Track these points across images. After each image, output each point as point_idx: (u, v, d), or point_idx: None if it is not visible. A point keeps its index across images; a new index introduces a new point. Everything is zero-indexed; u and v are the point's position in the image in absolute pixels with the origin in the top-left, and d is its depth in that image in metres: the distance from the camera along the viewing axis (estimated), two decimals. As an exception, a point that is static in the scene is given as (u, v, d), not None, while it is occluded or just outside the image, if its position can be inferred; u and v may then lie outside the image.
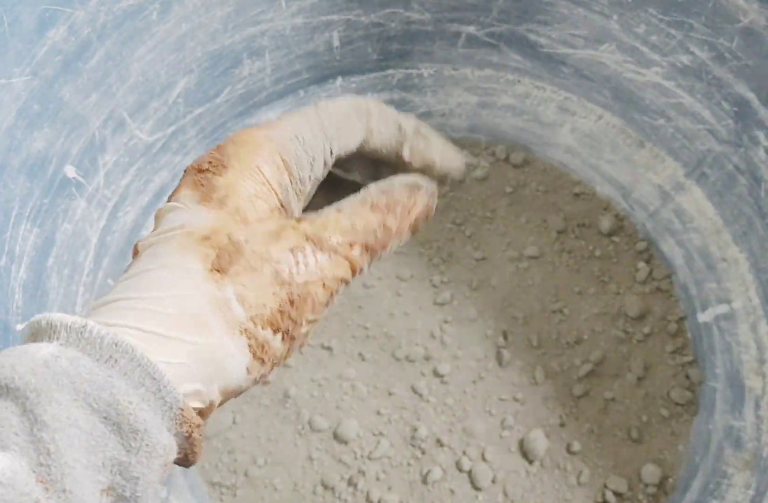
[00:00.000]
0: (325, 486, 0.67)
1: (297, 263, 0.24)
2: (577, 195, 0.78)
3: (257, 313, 0.24)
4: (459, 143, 0.81)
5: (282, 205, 0.27)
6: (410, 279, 0.75)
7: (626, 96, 0.69)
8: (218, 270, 0.23)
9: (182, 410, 0.22)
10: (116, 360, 0.21)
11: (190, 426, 0.22)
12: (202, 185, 0.26)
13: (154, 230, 0.26)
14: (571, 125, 0.76)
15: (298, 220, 0.26)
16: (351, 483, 0.67)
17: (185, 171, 0.27)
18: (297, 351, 0.26)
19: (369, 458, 0.68)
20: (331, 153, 0.28)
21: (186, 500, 0.64)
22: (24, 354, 0.21)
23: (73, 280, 0.53)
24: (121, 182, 0.57)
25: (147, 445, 0.21)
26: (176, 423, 0.22)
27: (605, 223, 0.76)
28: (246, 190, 0.26)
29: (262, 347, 0.24)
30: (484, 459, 0.68)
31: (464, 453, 0.68)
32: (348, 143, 0.28)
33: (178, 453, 0.23)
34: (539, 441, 0.68)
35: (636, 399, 0.70)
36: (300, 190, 0.28)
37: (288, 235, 0.25)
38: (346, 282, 0.26)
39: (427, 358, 0.72)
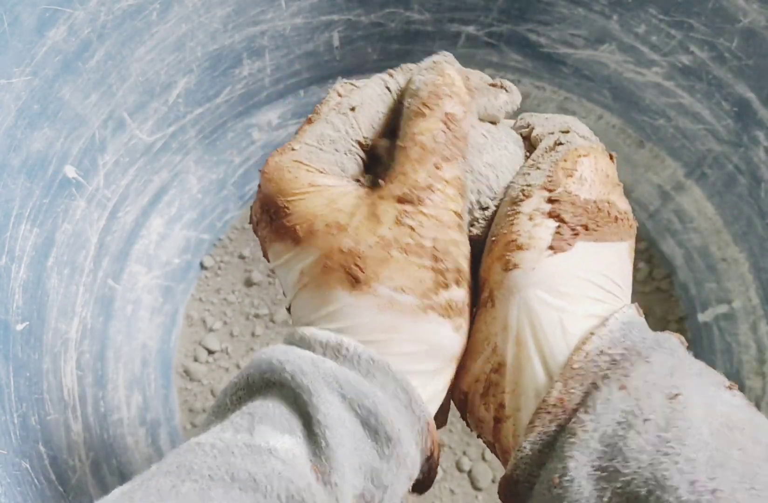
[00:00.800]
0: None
1: (412, 229, 0.25)
2: (577, 195, 0.78)
3: (421, 290, 0.24)
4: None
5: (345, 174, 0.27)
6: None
7: (626, 96, 0.69)
8: (357, 283, 0.24)
9: (428, 424, 0.24)
10: (374, 375, 0.23)
11: (432, 442, 0.24)
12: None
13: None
14: (571, 125, 0.76)
15: (380, 186, 0.26)
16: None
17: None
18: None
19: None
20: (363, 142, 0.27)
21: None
22: (289, 351, 0.24)
23: (73, 280, 0.53)
24: (121, 182, 0.57)
25: (398, 455, 0.23)
26: (422, 437, 0.24)
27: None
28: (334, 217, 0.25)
29: (450, 307, 0.25)
30: (484, 459, 0.68)
31: (464, 453, 0.68)
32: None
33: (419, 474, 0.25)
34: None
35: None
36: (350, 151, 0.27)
37: (383, 210, 0.25)
38: (461, 198, 0.26)
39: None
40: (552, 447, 0.23)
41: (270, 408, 0.22)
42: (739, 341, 0.66)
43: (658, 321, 0.72)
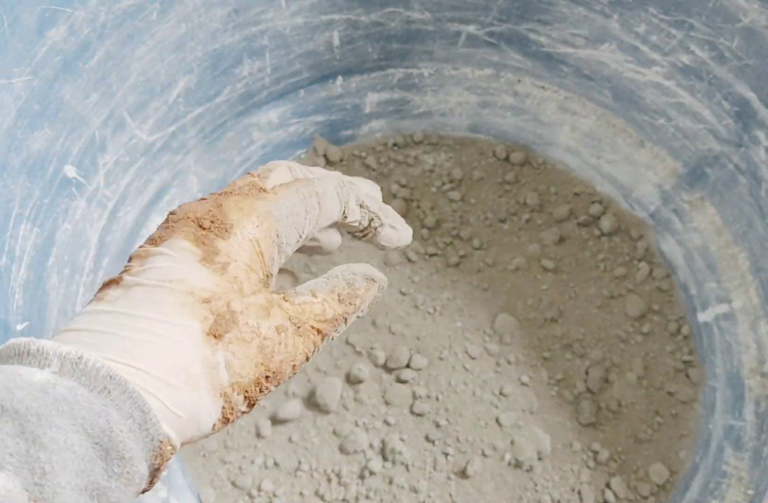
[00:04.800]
0: (322, 496, 0.67)
1: (279, 343, 0.26)
2: (577, 194, 0.78)
3: (237, 381, 0.25)
4: (459, 143, 0.81)
5: (267, 277, 0.29)
6: (415, 284, 0.75)
7: (627, 95, 0.69)
8: (214, 336, 0.25)
9: (161, 443, 0.24)
10: (110, 391, 0.23)
11: (162, 459, 0.24)
12: (204, 244, 0.27)
13: (139, 268, 0.26)
14: (571, 125, 0.76)
15: (283, 298, 0.28)
16: (360, 478, 0.67)
17: (174, 216, 0.28)
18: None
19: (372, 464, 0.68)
20: (313, 227, 0.30)
21: (186, 500, 0.64)
22: (18, 378, 0.22)
23: (73, 280, 0.53)
24: (121, 182, 0.57)
25: (128, 473, 0.23)
26: (153, 455, 0.24)
27: (605, 222, 0.76)
28: (244, 260, 0.27)
29: (232, 410, 0.26)
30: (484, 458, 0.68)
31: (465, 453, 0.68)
32: (328, 220, 0.31)
33: None
34: (542, 441, 0.68)
35: (636, 398, 0.70)
36: (281, 261, 0.30)
37: (276, 313, 0.27)
38: (307, 361, 0.28)
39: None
40: None
41: None
42: (739, 341, 0.66)
43: (658, 320, 0.73)
